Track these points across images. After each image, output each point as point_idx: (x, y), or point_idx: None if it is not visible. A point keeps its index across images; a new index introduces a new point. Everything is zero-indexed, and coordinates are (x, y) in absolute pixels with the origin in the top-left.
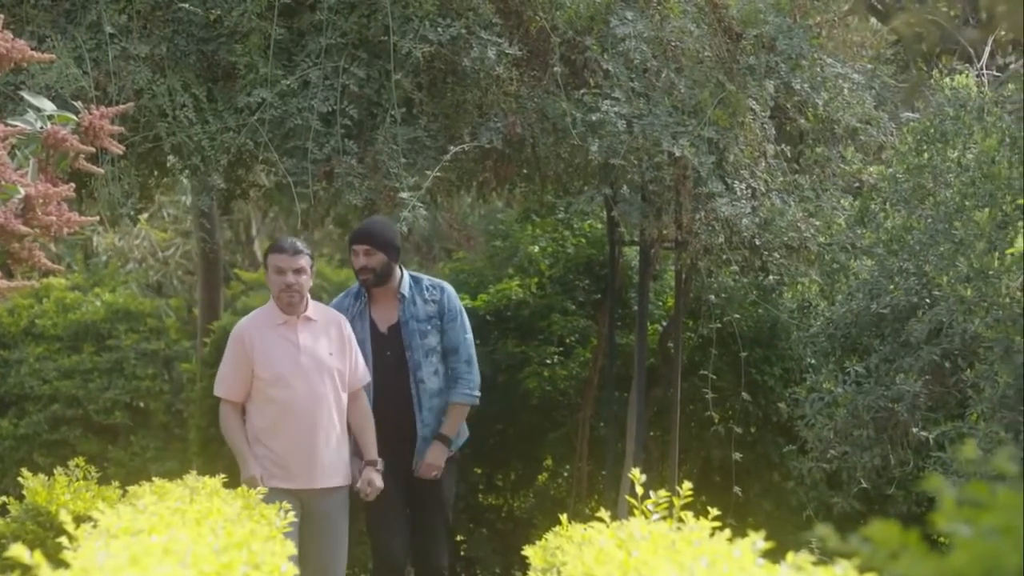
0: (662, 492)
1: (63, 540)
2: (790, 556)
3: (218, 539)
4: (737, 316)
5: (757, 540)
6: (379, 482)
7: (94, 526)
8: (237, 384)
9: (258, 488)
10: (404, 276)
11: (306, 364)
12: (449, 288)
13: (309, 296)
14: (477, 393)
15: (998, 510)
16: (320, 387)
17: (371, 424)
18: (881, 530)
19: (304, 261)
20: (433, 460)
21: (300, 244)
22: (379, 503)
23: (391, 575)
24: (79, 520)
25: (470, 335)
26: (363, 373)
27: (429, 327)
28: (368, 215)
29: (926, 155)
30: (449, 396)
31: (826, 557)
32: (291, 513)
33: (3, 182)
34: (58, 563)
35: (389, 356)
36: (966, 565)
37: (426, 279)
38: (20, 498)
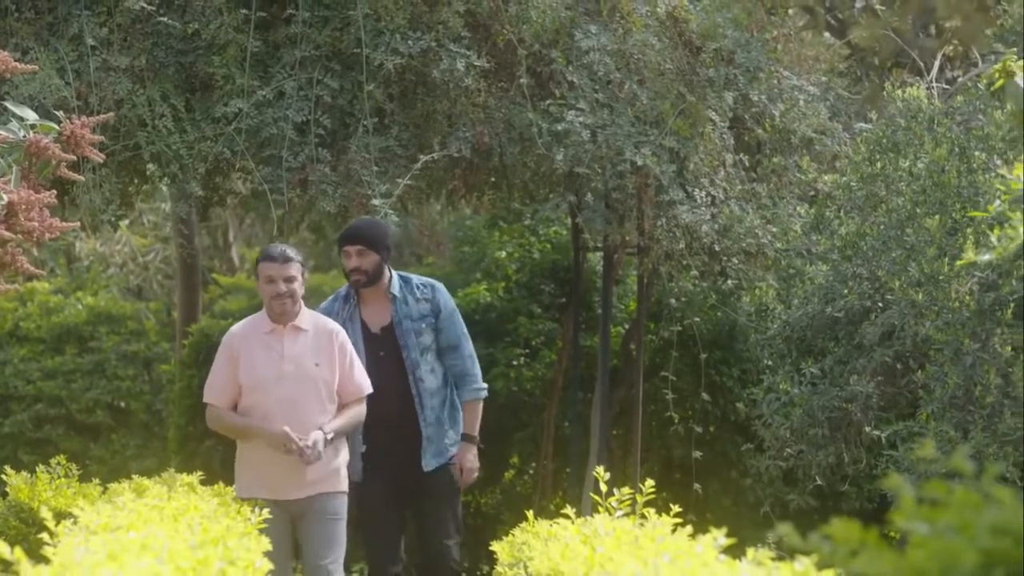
0: (625, 489)
1: (45, 536)
2: (751, 552)
3: (194, 535)
4: (697, 319)
5: (719, 537)
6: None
7: (74, 522)
8: (224, 391)
9: (289, 436)
10: (393, 276)
11: (288, 372)
12: (440, 286)
13: (303, 305)
14: (485, 386)
15: (955, 508)
16: (300, 396)
17: (349, 414)
18: (841, 528)
19: (294, 269)
20: (469, 464)
21: (290, 252)
22: (371, 507)
23: None
24: (60, 516)
25: (465, 330)
26: (360, 384)
27: (423, 325)
28: (342, 222)
29: (879, 164)
30: (460, 396)
31: (783, 553)
32: (266, 511)
33: None
34: (39, 559)
35: (383, 356)
36: (924, 562)
37: (415, 278)
38: (3, 495)
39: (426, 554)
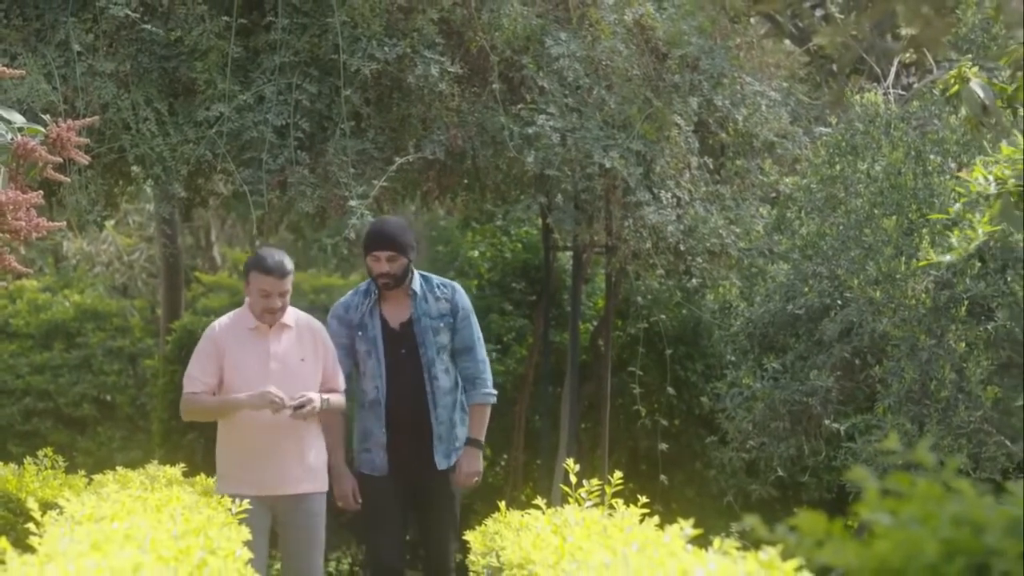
0: (594, 481)
1: (32, 526)
2: (717, 542)
3: (177, 525)
4: (663, 316)
5: (686, 527)
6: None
7: (60, 513)
8: (203, 382)
9: (272, 394)
10: (414, 273)
11: (275, 369)
12: (459, 288)
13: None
14: (494, 392)
15: (918, 500)
16: (288, 392)
17: (337, 397)
18: (807, 519)
19: (289, 283)
20: (470, 468)
21: (287, 263)
22: (376, 503)
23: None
24: (47, 507)
25: (481, 335)
26: (340, 381)
27: (441, 324)
28: (320, 222)
29: (838, 167)
30: (468, 399)
31: (748, 543)
32: (245, 502)
33: None
34: (27, 548)
35: (403, 354)
36: (888, 552)
37: (436, 278)
38: None
39: (426, 556)
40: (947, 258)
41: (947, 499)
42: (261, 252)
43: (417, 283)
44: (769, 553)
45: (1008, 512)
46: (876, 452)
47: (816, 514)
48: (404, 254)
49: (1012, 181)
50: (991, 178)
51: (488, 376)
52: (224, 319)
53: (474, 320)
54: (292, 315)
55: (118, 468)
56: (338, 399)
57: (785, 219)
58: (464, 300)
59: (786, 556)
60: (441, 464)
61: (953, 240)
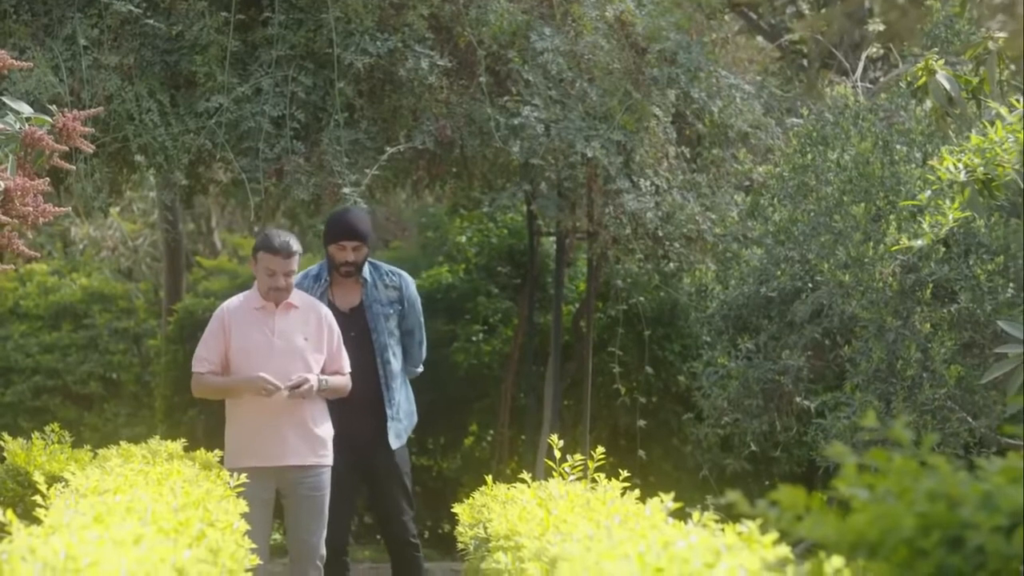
0: (577, 455)
1: (39, 498)
2: (696, 515)
3: (177, 498)
4: (642, 299)
5: (667, 501)
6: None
7: (66, 485)
8: (211, 361)
9: (268, 381)
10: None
11: (278, 346)
12: (406, 275)
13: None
14: (420, 369)
15: (894, 475)
16: (291, 368)
17: (339, 379)
18: (788, 494)
19: (295, 263)
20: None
21: (293, 244)
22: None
23: (331, 555)
24: (53, 480)
25: (422, 319)
26: (344, 363)
27: (391, 311)
28: (315, 209)
29: (809, 156)
30: None
31: (723, 515)
32: (242, 476)
33: None
34: (33, 519)
35: (352, 337)
36: (865, 526)
37: (384, 265)
38: (2, 459)
39: (387, 531)
40: (919, 243)
41: (922, 474)
42: (269, 232)
43: (367, 270)
44: (748, 526)
45: (981, 487)
46: (845, 428)
47: (795, 489)
48: (368, 243)
49: (980, 169)
50: (961, 166)
51: (420, 355)
52: (233, 300)
53: (419, 306)
54: (298, 297)
55: (122, 443)
56: (340, 380)
57: (759, 206)
58: (412, 290)
59: (764, 529)
60: (394, 444)
61: (924, 225)
